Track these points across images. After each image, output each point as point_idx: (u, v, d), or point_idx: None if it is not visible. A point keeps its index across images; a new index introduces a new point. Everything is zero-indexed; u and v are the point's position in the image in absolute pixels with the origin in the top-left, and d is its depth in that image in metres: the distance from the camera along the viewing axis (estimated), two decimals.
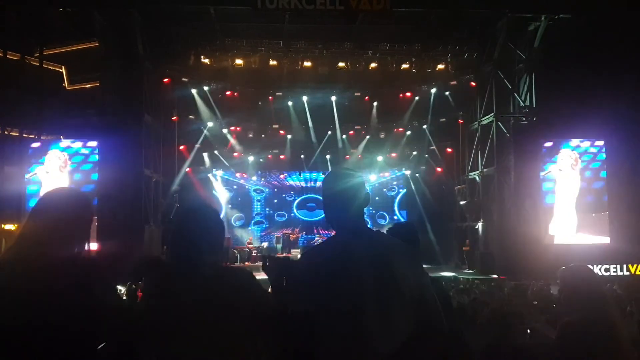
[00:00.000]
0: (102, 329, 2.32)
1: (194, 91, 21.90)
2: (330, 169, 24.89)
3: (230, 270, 2.73)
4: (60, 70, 22.11)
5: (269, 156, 24.52)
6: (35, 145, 18.72)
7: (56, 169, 18.48)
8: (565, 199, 19.99)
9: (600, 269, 18.89)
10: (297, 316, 2.41)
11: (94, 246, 17.86)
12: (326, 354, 2.36)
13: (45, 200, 2.48)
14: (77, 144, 18.82)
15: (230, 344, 2.35)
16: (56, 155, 18.59)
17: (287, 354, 2.49)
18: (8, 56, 19.05)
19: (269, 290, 2.68)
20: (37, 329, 2.15)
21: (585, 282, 3.48)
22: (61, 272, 2.24)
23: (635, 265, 18.67)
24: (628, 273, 18.54)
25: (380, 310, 2.31)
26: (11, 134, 19.09)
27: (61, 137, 19.39)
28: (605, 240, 19.94)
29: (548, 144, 20.30)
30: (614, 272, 18.68)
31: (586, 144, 20.51)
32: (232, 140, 23.60)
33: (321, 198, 2.66)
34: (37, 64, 19.83)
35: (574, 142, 20.49)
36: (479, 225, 21.66)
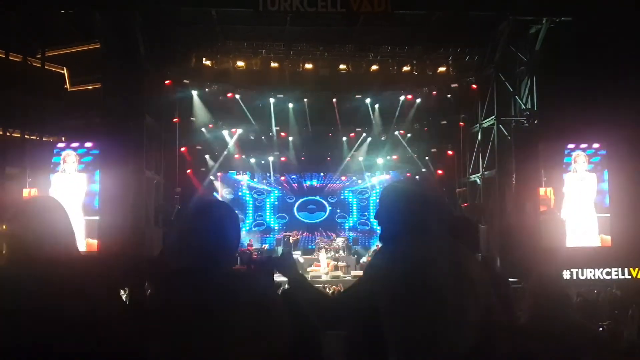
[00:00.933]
0: (102, 334, 2.26)
1: (195, 93, 21.95)
2: (329, 171, 24.99)
3: (247, 273, 2.68)
4: (62, 71, 22.17)
5: (270, 158, 24.53)
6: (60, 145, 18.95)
7: (72, 172, 18.56)
8: (580, 202, 19.98)
9: (601, 272, 18.90)
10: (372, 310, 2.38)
11: (93, 246, 18.01)
12: (399, 352, 2.37)
13: (17, 208, 2.50)
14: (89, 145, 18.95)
15: (237, 350, 2.17)
16: (72, 157, 18.66)
17: None
18: (10, 57, 19.04)
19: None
20: (35, 336, 2.14)
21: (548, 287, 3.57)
22: (57, 276, 2.24)
23: (636, 269, 18.68)
24: (630, 277, 18.54)
25: (456, 308, 2.33)
26: (12, 135, 19.09)
27: (62, 138, 19.41)
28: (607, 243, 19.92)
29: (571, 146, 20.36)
30: (615, 275, 18.70)
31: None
32: (233, 142, 23.60)
33: (382, 210, 2.67)
34: (39, 66, 19.84)
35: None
36: (481, 229, 21.60)
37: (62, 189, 18.38)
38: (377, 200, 2.73)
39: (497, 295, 2.61)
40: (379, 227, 2.70)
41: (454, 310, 2.33)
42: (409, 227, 2.56)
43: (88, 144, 18.96)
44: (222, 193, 24.73)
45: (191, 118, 22.34)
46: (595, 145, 20.62)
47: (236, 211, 2.52)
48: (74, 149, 18.80)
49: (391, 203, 2.63)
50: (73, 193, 18.35)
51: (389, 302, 2.41)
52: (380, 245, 2.91)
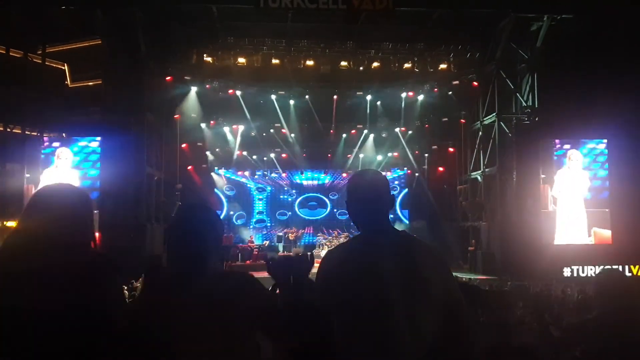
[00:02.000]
0: (107, 326, 2.26)
1: (196, 89, 21.95)
2: (330, 168, 25.04)
3: (231, 274, 2.62)
4: (63, 67, 22.17)
5: (271, 155, 24.55)
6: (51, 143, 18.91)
7: (65, 168, 18.53)
8: (574, 198, 20.00)
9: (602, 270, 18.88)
10: (316, 312, 2.37)
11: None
12: (348, 353, 2.35)
13: (40, 195, 2.44)
14: (82, 142, 18.93)
15: (230, 349, 2.26)
16: (65, 154, 18.67)
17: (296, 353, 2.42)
18: (11, 54, 19.10)
19: (275, 290, 2.57)
20: (37, 327, 2.12)
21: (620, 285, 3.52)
22: (61, 268, 2.22)
23: (637, 267, 18.65)
24: (630, 274, 18.52)
25: (405, 309, 2.30)
26: (13, 131, 19.12)
27: (63, 134, 19.44)
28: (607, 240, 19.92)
29: (566, 146, 20.35)
30: None
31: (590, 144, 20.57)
32: (234, 139, 23.63)
33: (346, 197, 2.66)
34: (40, 62, 19.86)
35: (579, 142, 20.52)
36: (481, 225, 21.65)
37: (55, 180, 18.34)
38: (347, 188, 2.65)
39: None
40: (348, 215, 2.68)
41: (405, 313, 2.30)
42: (377, 216, 2.54)
43: (82, 143, 18.92)
44: (223, 189, 24.72)
45: (192, 115, 22.32)
46: (601, 145, 20.57)
47: (217, 212, 2.61)
48: (68, 145, 18.80)
49: (360, 193, 2.58)
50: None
51: (338, 304, 2.39)
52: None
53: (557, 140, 20.40)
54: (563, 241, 19.75)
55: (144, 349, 2.25)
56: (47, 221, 2.30)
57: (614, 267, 18.37)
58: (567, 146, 20.39)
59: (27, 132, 19.26)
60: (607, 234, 19.82)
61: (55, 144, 18.79)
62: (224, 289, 2.32)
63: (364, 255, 2.42)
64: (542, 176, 20.09)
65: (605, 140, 20.60)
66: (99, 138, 18.81)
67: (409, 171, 25.32)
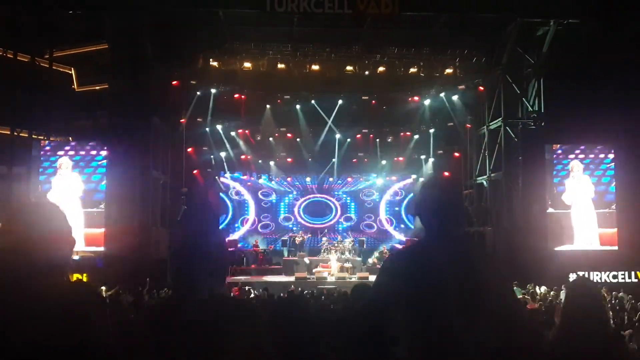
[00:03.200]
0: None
1: (202, 94, 21.97)
2: (336, 172, 24.95)
3: (227, 301, 2.59)
4: (70, 72, 22.22)
5: (277, 159, 24.55)
6: (47, 148, 19.05)
7: (67, 174, 18.64)
8: (584, 203, 20.12)
9: (608, 276, 18.78)
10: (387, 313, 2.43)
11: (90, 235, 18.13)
12: (408, 350, 2.40)
13: (15, 211, 2.35)
14: (86, 147, 19.05)
15: None
16: (66, 162, 18.77)
17: None
18: (18, 57, 19.15)
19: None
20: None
21: (582, 291, 3.39)
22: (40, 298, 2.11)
23: None
24: (636, 280, 18.43)
25: (464, 318, 2.33)
26: (20, 135, 19.17)
27: (70, 138, 19.50)
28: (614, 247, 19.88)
29: (571, 156, 20.51)
30: (622, 278, 18.57)
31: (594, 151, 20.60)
32: (240, 143, 23.64)
33: (421, 199, 2.68)
34: (47, 66, 19.98)
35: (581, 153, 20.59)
36: (487, 231, 21.55)
37: (61, 189, 18.54)
38: (418, 193, 2.70)
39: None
40: (416, 220, 2.71)
41: (463, 322, 2.33)
42: (446, 222, 2.57)
43: (82, 152, 19.06)
44: (229, 193, 24.71)
45: (198, 118, 22.35)
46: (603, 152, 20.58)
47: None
48: (68, 150, 18.99)
49: (437, 195, 2.63)
50: (71, 191, 18.51)
51: (400, 301, 2.43)
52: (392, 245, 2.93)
53: (559, 151, 20.36)
54: (579, 245, 19.80)
55: None
56: (26, 241, 2.19)
57: (617, 278, 18.46)
58: (571, 156, 20.41)
59: (33, 136, 19.30)
60: (611, 232, 19.95)
61: (60, 152, 18.87)
62: (216, 317, 2.33)
63: (428, 260, 2.46)
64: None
65: (612, 153, 20.54)
66: (104, 152, 18.87)
67: (413, 176, 25.22)
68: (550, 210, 20.05)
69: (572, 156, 20.50)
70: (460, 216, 2.66)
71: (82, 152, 18.97)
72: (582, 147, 20.66)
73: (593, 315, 3.24)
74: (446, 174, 24.26)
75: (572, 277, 18.57)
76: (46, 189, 18.47)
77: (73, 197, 18.46)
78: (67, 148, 18.96)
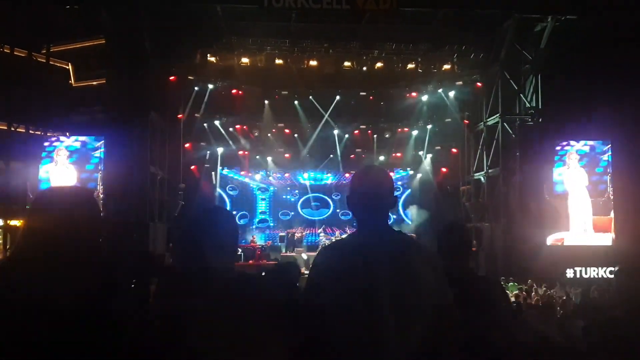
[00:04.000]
0: (116, 334, 2.21)
1: (199, 89, 22.03)
2: (333, 168, 25.01)
3: (244, 276, 2.59)
4: (67, 67, 22.21)
5: (275, 155, 24.57)
6: (46, 143, 19.13)
7: (64, 164, 18.70)
8: (578, 191, 20.34)
9: (605, 271, 18.84)
10: (312, 308, 2.41)
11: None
12: (339, 349, 2.34)
13: (47, 195, 2.38)
14: (83, 138, 19.18)
15: (243, 350, 2.27)
16: (63, 151, 18.82)
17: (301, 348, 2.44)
18: (15, 53, 19.13)
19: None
20: (44, 336, 2.06)
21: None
22: (73, 274, 2.15)
23: None
24: None
25: (394, 309, 2.29)
26: (17, 130, 19.15)
27: (67, 133, 19.50)
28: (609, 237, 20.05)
29: (567, 147, 20.71)
30: None
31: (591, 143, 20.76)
32: (238, 138, 23.68)
33: (348, 192, 2.62)
34: (44, 61, 19.92)
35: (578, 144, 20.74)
36: (484, 226, 21.61)
37: (57, 178, 18.68)
38: (349, 184, 2.63)
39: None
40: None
41: (394, 313, 2.29)
42: (375, 215, 2.52)
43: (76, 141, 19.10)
44: (226, 189, 24.71)
45: (195, 114, 22.36)
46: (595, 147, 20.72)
47: (233, 213, 2.65)
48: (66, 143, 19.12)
49: (361, 189, 2.56)
50: (66, 180, 18.57)
51: (327, 299, 2.39)
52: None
53: (568, 141, 20.57)
54: (574, 232, 20.00)
55: (163, 351, 2.27)
56: (58, 223, 2.22)
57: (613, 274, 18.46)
58: (567, 147, 20.56)
59: (31, 131, 19.29)
60: (604, 219, 20.26)
61: (56, 143, 18.99)
62: (236, 290, 2.34)
63: (358, 253, 2.40)
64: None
65: (609, 145, 20.63)
66: (100, 143, 18.89)
67: (411, 171, 25.25)
68: (546, 197, 20.24)
69: (568, 147, 20.70)
70: (388, 206, 2.57)
71: (76, 143, 19.05)
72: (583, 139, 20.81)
73: None
74: (444, 169, 24.42)
75: (569, 272, 18.69)
76: (42, 179, 18.57)
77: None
78: (62, 139, 19.07)
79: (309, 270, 2.61)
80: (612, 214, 20.28)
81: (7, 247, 22.29)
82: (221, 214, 2.57)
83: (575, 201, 20.20)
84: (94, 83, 21.46)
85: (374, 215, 2.52)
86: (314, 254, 19.23)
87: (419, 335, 2.30)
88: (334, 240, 22.29)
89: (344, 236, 22.31)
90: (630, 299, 3.41)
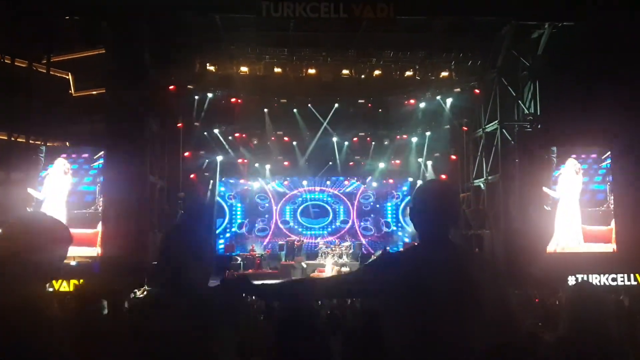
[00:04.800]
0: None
1: (198, 98, 22.13)
2: (333, 175, 24.98)
3: (212, 293, 2.60)
4: (67, 77, 22.30)
5: (274, 162, 24.61)
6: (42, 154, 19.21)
7: (60, 174, 18.79)
8: (568, 202, 20.27)
9: (607, 279, 18.76)
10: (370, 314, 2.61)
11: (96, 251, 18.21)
12: (397, 353, 2.44)
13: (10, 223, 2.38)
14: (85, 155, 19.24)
15: None
16: (61, 162, 18.89)
17: None
18: (16, 63, 19.24)
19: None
20: None
21: (590, 299, 3.36)
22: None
23: None
24: (636, 283, 18.42)
25: (454, 322, 2.35)
26: (18, 140, 19.21)
27: (67, 143, 19.55)
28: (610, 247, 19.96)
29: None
30: (622, 281, 18.55)
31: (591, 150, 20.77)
32: (237, 147, 23.72)
33: (412, 204, 2.72)
34: (44, 71, 20.00)
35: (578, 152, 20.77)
36: (484, 234, 21.59)
37: (52, 188, 18.81)
38: (414, 197, 2.73)
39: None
40: (412, 224, 2.73)
41: (451, 317, 2.35)
42: (438, 229, 2.59)
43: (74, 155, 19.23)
44: (225, 197, 24.73)
45: (195, 123, 22.41)
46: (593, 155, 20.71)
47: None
48: (69, 154, 19.23)
49: (427, 203, 2.63)
50: (61, 192, 18.75)
51: (389, 299, 2.48)
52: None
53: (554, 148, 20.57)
54: (562, 242, 19.92)
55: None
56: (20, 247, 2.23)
57: (616, 281, 18.44)
58: (572, 156, 20.58)
59: (31, 141, 19.34)
60: (598, 229, 20.25)
61: (56, 156, 19.08)
62: (206, 309, 2.38)
63: (419, 265, 2.47)
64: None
65: (607, 154, 20.65)
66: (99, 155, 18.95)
67: (410, 179, 25.25)
68: (546, 208, 20.24)
69: (568, 154, 20.72)
70: (453, 221, 2.65)
71: (74, 155, 19.15)
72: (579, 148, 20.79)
73: (596, 319, 3.21)
74: (443, 176, 24.35)
75: (571, 280, 18.60)
76: (39, 190, 18.70)
77: (61, 197, 18.68)
78: (64, 155, 19.11)
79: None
80: (612, 224, 20.19)
81: None
82: (181, 232, 2.61)
83: (563, 210, 20.18)
84: (94, 93, 21.54)
85: (437, 230, 2.58)
86: (314, 262, 19.08)
87: (479, 345, 2.35)
88: (336, 250, 22.28)
89: (344, 248, 22.45)
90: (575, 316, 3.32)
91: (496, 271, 2.57)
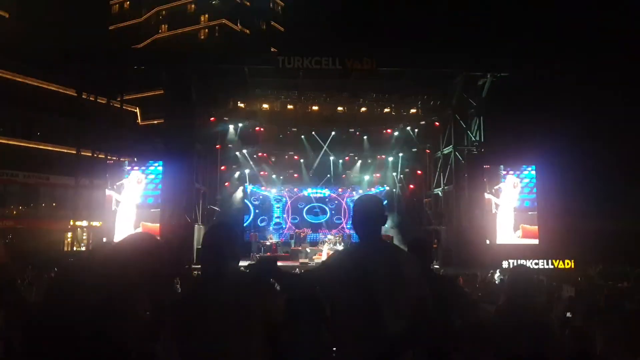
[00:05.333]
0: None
1: (232, 127, 22.15)
2: (330, 185, 25.09)
3: (247, 276, 2.46)
4: (135, 110, 22.60)
5: (286, 175, 24.67)
6: (128, 167, 19.37)
7: (134, 182, 18.95)
8: (506, 207, 20.35)
9: (531, 263, 18.90)
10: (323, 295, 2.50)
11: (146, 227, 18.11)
12: (343, 328, 2.40)
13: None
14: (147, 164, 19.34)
15: (245, 340, 2.19)
16: (135, 174, 19.06)
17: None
18: (98, 100, 19.57)
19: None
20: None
21: (522, 276, 3.27)
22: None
23: (557, 261, 18.66)
24: (552, 267, 18.52)
25: (388, 298, 2.30)
26: (98, 156, 19.54)
27: (135, 159, 19.80)
28: (535, 241, 20.04)
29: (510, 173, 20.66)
30: (542, 266, 18.64)
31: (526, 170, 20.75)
32: (260, 163, 23.79)
33: (352, 213, 2.68)
34: (119, 106, 20.34)
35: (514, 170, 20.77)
36: (441, 229, 21.76)
37: (129, 193, 18.93)
38: (352, 210, 2.68)
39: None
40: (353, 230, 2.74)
41: (386, 301, 2.30)
42: (369, 230, 2.57)
43: (142, 167, 19.33)
44: (251, 199, 24.78)
45: (229, 145, 22.57)
46: (529, 169, 20.78)
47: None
48: (140, 167, 19.21)
49: (359, 213, 2.60)
50: (132, 196, 18.88)
51: (336, 288, 2.44)
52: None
53: (502, 169, 20.60)
54: (500, 237, 19.93)
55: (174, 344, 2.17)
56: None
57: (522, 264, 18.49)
58: (510, 173, 20.62)
59: (108, 157, 19.67)
60: (531, 228, 20.14)
61: (135, 168, 19.21)
62: (240, 289, 2.27)
63: (359, 258, 2.45)
64: (487, 192, 20.32)
65: (533, 167, 20.72)
66: (159, 167, 19.25)
67: (387, 187, 25.25)
68: (494, 211, 20.28)
69: (507, 172, 20.67)
70: (378, 224, 2.56)
71: (143, 167, 19.26)
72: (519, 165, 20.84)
73: (530, 293, 3.16)
74: (411, 186, 24.43)
75: (505, 264, 18.63)
76: (120, 192, 18.83)
77: (135, 200, 18.87)
78: (135, 167, 19.25)
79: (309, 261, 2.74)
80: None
81: (90, 241, 22.61)
82: (225, 229, 2.47)
83: (502, 214, 20.27)
84: (155, 122, 21.84)
85: (368, 231, 2.54)
86: (315, 248, 19.02)
87: (405, 316, 2.31)
88: (332, 239, 22.37)
89: (338, 237, 22.53)
90: (513, 290, 3.21)
91: (413, 260, 2.50)
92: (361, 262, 2.39)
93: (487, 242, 19.75)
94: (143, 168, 19.24)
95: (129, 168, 19.14)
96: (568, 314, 5.87)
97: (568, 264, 18.48)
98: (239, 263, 2.50)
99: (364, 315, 2.30)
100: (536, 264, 18.59)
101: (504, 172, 20.58)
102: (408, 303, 2.32)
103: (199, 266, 3.21)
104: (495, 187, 20.43)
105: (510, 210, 20.33)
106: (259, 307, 2.27)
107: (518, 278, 3.23)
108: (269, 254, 21.02)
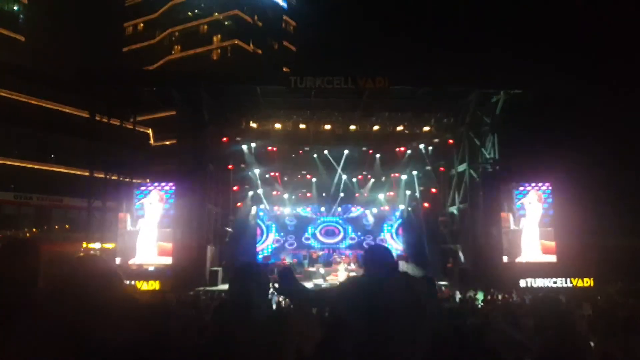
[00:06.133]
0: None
1: (244, 147, 22.21)
2: (343, 204, 24.95)
3: (276, 313, 2.65)
4: (148, 131, 22.83)
5: (299, 194, 24.57)
6: (143, 187, 19.43)
7: (156, 201, 18.99)
8: (531, 223, 20.08)
9: (549, 282, 18.62)
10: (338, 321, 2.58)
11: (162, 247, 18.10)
12: (357, 353, 2.44)
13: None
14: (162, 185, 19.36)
15: None
16: (157, 193, 19.09)
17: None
18: (111, 122, 19.81)
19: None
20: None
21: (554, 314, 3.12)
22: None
23: (576, 279, 18.42)
24: (571, 285, 18.28)
25: (402, 324, 2.38)
26: (112, 177, 19.70)
27: (147, 180, 19.91)
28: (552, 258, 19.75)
29: (528, 187, 20.44)
30: (561, 284, 18.41)
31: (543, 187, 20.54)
32: (272, 183, 23.81)
33: (363, 260, 2.86)
34: (132, 127, 20.59)
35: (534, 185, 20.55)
36: (457, 247, 21.54)
37: (149, 213, 18.94)
38: (362, 256, 2.92)
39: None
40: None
41: (403, 328, 2.37)
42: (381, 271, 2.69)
43: (158, 187, 19.36)
44: (263, 220, 24.79)
45: (242, 165, 22.63)
46: (545, 186, 20.57)
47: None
48: (156, 187, 19.20)
49: (369, 260, 2.76)
50: (154, 215, 18.88)
51: (351, 312, 2.50)
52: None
53: (522, 185, 20.39)
54: (525, 255, 19.62)
55: None
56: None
57: (556, 284, 18.17)
58: (529, 188, 20.41)
59: (121, 179, 19.82)
60: (549, 244, 19.86)
61: (150, 188, 19.21)
62: (273, 323, 2.40)
63: (369, 289, 2.56)
64: (504, 210, 20.14)
65: (548, 184, 20.51)
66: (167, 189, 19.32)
67: (401, 206, 25.14)
68: (514, 227, 19.96)
69: (529, 187, 20.44)
70: (389, 266, 2.71)
71: (159, 187, 19.28)
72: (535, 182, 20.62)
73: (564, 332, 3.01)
74: (426, 205, 24.19)
75: (522, 283, 18.40)
76: (140, 214, 18.88)
77: (156, 219, 18.92)
78: (151, 187, 19.22)
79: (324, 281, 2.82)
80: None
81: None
82: (255, 268, 2.62)
83: (527, 231, 19.95)
84: (168, 143, 22.05)
85: (380, 272, 2.67)
86: (329, 268, 18.94)
87: (423, 343, 2.39)
88: (344, 259, 22.23)
89: (350, 257, 22.41)
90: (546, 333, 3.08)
91: (428, 288, 2.62)
92: (375, 293, 2.44)
93: (505, 259, 19.47)
94: (162, 185, 19.29)
95: (151, 188, 19.12)
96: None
97: (587, 282, 18.24)
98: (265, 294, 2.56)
99: (373, 343, 2.33)
100: (554, 282, 18.37)
101: (527, 187, 20.35)
102: (425, 334, 2.37)
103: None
104: (519, 203, 20.19)
105: (535, 226, 20.04)
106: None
107: (548, 315, 3.08)
108: None
